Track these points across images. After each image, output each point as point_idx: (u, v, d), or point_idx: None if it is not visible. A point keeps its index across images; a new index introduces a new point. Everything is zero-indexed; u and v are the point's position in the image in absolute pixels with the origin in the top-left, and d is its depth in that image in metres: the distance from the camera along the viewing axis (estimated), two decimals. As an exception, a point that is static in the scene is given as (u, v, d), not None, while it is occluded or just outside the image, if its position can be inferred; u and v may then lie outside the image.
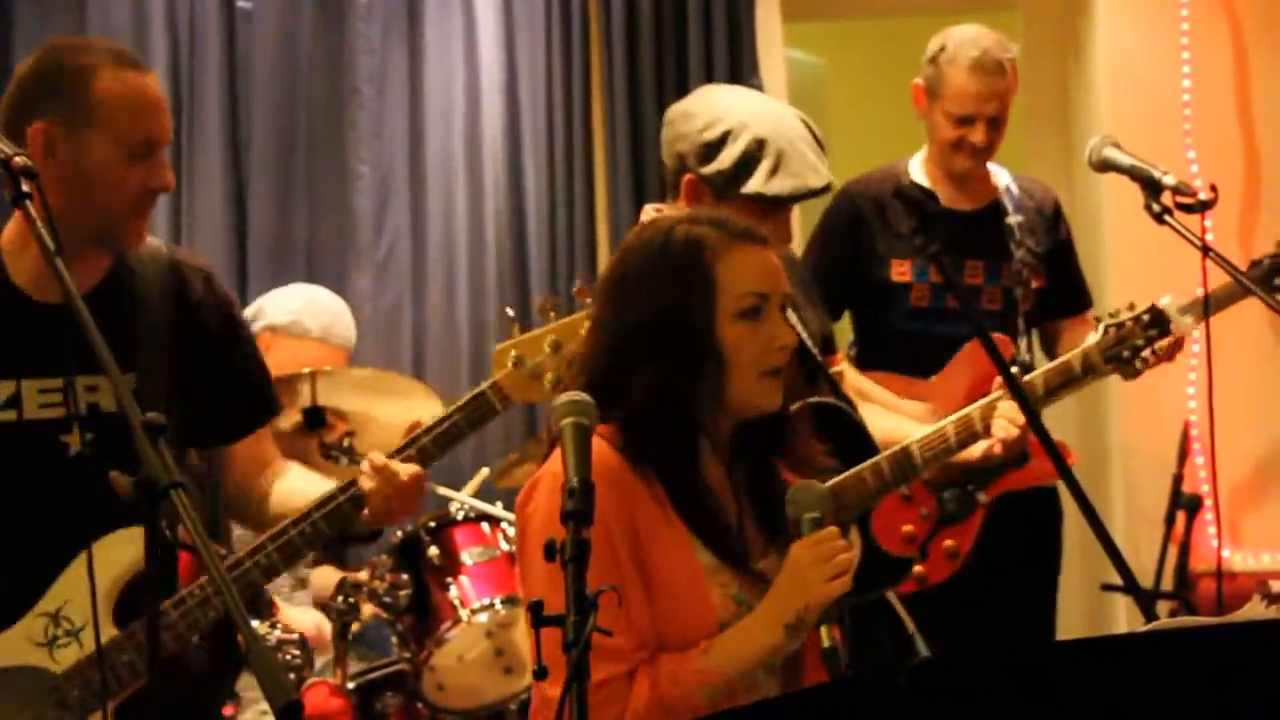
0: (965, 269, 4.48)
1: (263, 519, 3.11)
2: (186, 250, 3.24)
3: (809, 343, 3.67)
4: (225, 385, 3.13)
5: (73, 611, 2.88)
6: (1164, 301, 4.03)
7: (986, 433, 3.76)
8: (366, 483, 2.97)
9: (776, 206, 3.48)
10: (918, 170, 4.56)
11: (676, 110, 3.60)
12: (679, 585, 2.56)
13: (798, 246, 4.74)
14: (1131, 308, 3.89)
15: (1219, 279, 3.69)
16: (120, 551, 2.84)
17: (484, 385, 3.06)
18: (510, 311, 3.12)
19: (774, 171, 3.44)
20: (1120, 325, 3.83)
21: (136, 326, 2.98)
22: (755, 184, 3.44)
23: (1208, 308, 3.94)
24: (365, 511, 3.00)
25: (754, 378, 2.62)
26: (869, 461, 3.62)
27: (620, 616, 2.47)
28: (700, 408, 2.63)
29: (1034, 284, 4.53)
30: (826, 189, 3.53)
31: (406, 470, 2.98)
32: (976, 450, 3.82)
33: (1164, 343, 3.92)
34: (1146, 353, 3.85)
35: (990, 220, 4.53)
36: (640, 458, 2.60)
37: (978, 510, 4.33)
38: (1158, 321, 3.83)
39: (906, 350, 4.40)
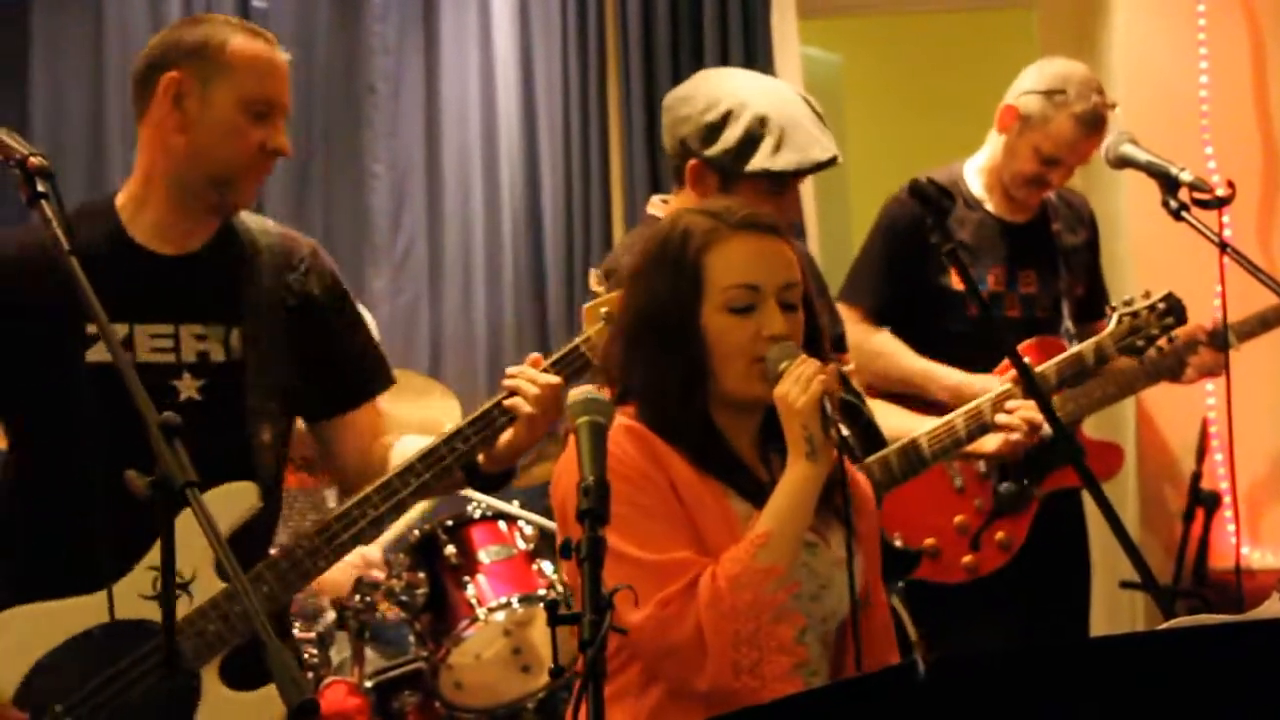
0: (1020, 279, 4.47)
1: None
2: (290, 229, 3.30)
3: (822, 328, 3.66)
4: (336, 353, 3.18)
5: (182, 565, 2.88)
6: (1219, 316, 4.06)
7: (994, 422, 3.77)
8: (523, 405, 2.97)
9: (783, 183, 3.41)
10: (973, 176, 4.52)
11: (674, 96, 3.53)
12: (717, 533, 2.59)
13: (828, 236, 4.71)
14: (1146, 296, 3.92)
15: (1237, 274, 3.68)
16: (230, 503, 2.89)
17: (577, 340, 3.05)
18: (597, 270, 3.12)
19: (778, 148, 3.37)
20: (1135, 315, 3.89)
21: (243, 282, 3.06)
22: (760, 161, 3.37)
23: (1225, 308, 3.95)
24: (501, 443, 3.02)
25: (745, 366, 2.64)
26: (877, 454, 3.61)
27: (682, 535, 2.55)
28: (698, 397, 2.65)
29: (1077, 291, 4.54)
30: (832, 162, 3.45)
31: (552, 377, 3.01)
32: (989, 444, 3.82)
33: (1198, 347, 3.94)
34: (1160, 344, 3.89)
35: (1041, 231, 4.52)
36: (660, 434, 2.64)
37: (1032, 503, 4.34)
38: (1173, 310, 3.86)
39: (962, 354, 4.38)
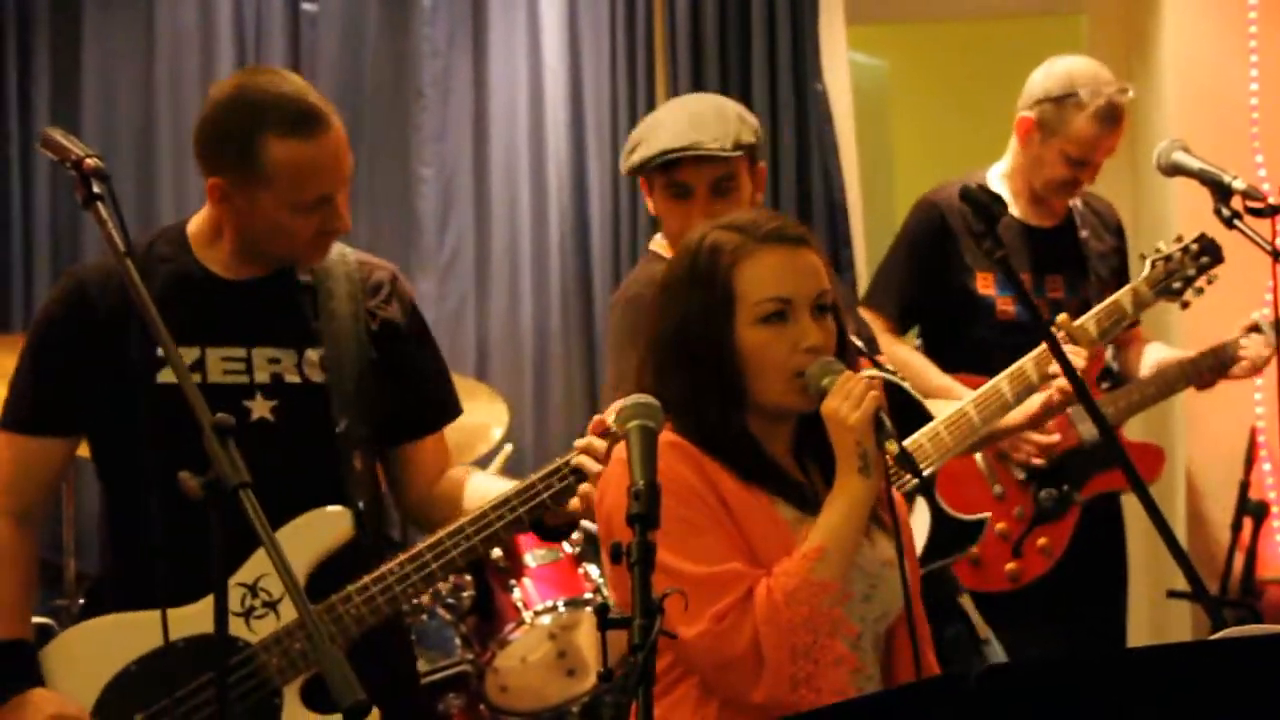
0: (1046, 285, 4.46)
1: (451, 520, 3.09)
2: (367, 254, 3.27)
3: (849, 335, 3.65)
4: (413, 380, 3.17)
5: (270, 583, 2.91)
6: (1256, 315, 4.01)
7: (1042, 383, 3.71)
8: (591, 464, 2.92)
9: (672, 186, 3.45)
10: (998, 183, 4.51)
11: None
12: (768, 540, 2.59)
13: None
14: (1179, 239, 3.90)
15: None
16: (324, 528, 2.93)
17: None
18: None
19: (636, 148, 3.48)
20: (1168, 258, 3.89)
21: (318, 307, 3.06)
22: (622, 165, 3.53)
23: (1278, 316, 3.92)
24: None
25: (783, 380, 2.63)
26: (927, 427, 3.59)
27: (732, 547, 2.54)
28: (735, 411, 2.64)
29: (1105, 297, 4.52)
30: (711, 156, 3.42)
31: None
32: (1034, 403, 3.77)
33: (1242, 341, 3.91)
34: (1199, 284, 3.86)
35: (1067, 236, 4.51)
36: (701, 447, 2.63)
37: (1072, 509, 4.32)
38: (1207, 249, 3.85)
39: (987, 359, 4.36)
